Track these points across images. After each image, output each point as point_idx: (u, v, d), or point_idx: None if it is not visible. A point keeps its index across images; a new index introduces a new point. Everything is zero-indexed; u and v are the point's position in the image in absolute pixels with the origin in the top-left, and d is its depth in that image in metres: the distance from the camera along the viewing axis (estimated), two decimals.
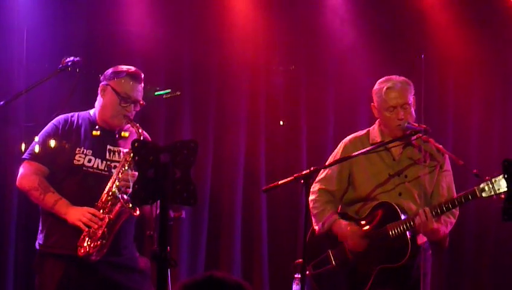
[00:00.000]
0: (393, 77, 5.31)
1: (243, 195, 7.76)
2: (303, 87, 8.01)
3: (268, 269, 7.78)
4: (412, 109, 5.25)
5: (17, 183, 5.05)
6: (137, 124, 4.97)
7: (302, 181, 4.80)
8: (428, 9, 7.86)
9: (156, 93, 7.53)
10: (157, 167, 3.65)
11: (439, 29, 7.91)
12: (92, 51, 6.98)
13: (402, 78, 5.30)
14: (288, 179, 4.93)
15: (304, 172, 4.85)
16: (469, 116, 8.18)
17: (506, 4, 7.85)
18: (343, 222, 5.25)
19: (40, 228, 5.05)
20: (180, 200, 3.72)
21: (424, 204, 5.17)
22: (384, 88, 5.22)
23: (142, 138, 4.88)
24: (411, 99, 5.25)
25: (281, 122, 7.97)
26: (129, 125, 5.03)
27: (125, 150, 4.96)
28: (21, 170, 5.04)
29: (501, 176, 4.77)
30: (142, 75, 5.11)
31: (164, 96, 7.57)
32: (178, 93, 7.58)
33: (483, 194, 4.86)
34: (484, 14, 7.91)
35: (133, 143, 3.74)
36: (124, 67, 5.09)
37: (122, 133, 4.99)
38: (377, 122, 5.43)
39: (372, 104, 5.35)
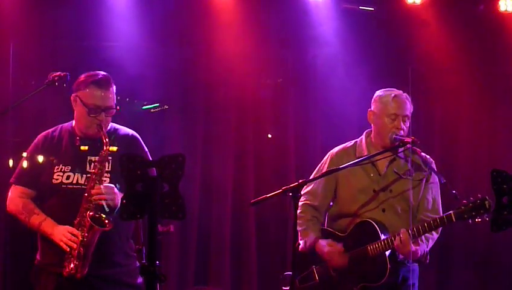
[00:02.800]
0: (399, 90, 5.36)
1: (231, 208, 7.76)
2: (291, 100, 8.02)
3: (257, 282, 7.77)
4: (408, 124, 5.28)
5: (6, 208, 5.01)
6: (105, 135, 4.83)
7: (290, 194, 4.79)
8: (415, 22, 7.88)
9: (144, 107, 7.54)
10: (145, 181, 3.65)
11: (426, 41, 7.94)
12: (79, 66, 6.95)
13: (406, 94, 5.36)
14: (277, 192, 4.92)
15: (292, 185, 4.84)
16: (457, 127, 8.21)
17: (494, 15, 7.88)
18: (322, 242, 5.28)
19: (38, 244, 4.99)
20: (168, 214, 3.71)
21: (408, 218, 5.18)
22: (392, 95, 5.28)
23: (107, 147, 4.78)
24: (410, 114, 5.30)
25: (269, 135, 7.98)
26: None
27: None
28: (9, 194, 5.00)
29: (479, 201, 4.83)
30: (110, 80, 4.94)
31: (152, 110, 7.58)
32: (166, 107, 7.59)
33: (459, 219, 4.90)
34: (472, 25, 7.94)
35: (121, 157, 3.73)
36: (90, 75, 4.95)
37: (110, 148, 4.92)
38: (364, 134, 5.45)
39: (369, 110, 5.37)
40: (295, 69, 8.06)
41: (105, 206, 4.73)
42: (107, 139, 4.81)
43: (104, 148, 4.80)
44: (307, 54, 8.01)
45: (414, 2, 7.77)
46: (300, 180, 4.87)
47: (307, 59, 8.03)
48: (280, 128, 8.00)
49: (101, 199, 4.71)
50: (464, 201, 4.90)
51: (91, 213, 4.69)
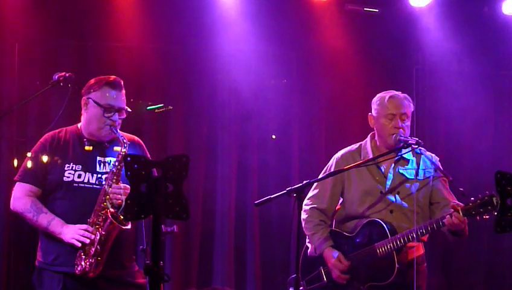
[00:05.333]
0: (397, 92, 5.39)
1: (235, 209, 7.76)
2: (295, 100, 8.02)
3: (261, 283, 7.77)
4: (409, 123, 5.28)
5: (10, 206, 5.00)
6: (122, 135, 4.91)
7: (294, 195, 4.81)
8: (420, 24, 7.88)
9: (148, 107, 7.54)
10: (149, 181, 3.65)
11: (430, 43, 7.93)
12: (84, 66, 6.99)
13: (405, 95, 5.39)
14: (281, 192, 4.93)
15: (296, 186, 4.85)
16: (461, 128, 8.20)
17: (498, 18, 7.88)
18: (329, 253, 5.28)
19: (39, 244, 5.01)
20: (172, 215, 3.71)
21: (419, 221, 5.18)
22: (387, 96, 5.31)
23: (125, 148, 4.83)
24: (410, 113, 5.30)
25: (273, 136, 7.98)
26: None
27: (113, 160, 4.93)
28: (13, 193, 4.99)
29: (487, 197, 4.83)
30: (122, 82, 5.01)
31: (156, 110, 7.58)
32: (170, 107, 7.60)
33: (467, 215, 4.89)
34: (476, 27, 7.93)
35: (125, 157, 3.74)
36: (103, 77, 5.02)
37: (115, 148, 4.94)
38: (368, 137, 5.45)
39: (369, 114, 5.39)
40: (299, 70, 8.06)
41: (108, 205, 4.74)
42: (125, 140, 4.85)
43: (122, 148, 4.84)
44: (312, 55, 8.01)
45: (418, 4, 7.76)
46: (304, 181, 4.88)
47: (311, 59, 8.03)
48: (284, 129, 8.00)
49: (119, 199, 4.73)
50: (472, 198, 4.90)
51: (112, 210, 4.71)
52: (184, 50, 7.66)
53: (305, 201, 5.40)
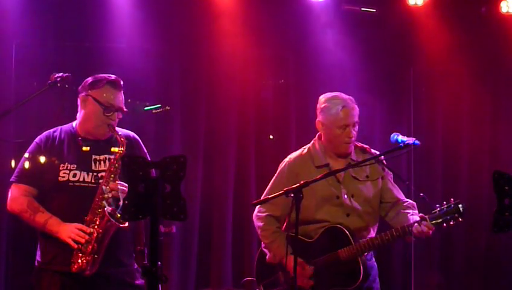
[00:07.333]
0: (342, 94, 5.38)
1: (233, 209, 7.76)
2: (292, 101, 8.02)
3: None
4: (357, 127, 5.31)
5: (7, 207, 5.01)
6: (120, 133, 4.92)
7: (291, 195, 4.79)
8: (417, 23, 7.88)
9: (146, 108, 7.54)
10: (147, 182, 3.65)
11: (427, 42, 7.93)
12: (82, 67, 6.98)
13: (349, 96, 5.37)
14: (278, 193, 4.93)
15: (294, 186, 4.84)
16: (459, 128, 8.20)
17: (496, 17, 7.88)
18: (292, 261, 5.14)
19: (38, 245, 5.02)
20: (170, 215, 3.71)
21: (371, 220, 5.30)
22: (340, 106, 5.29)
23: (124, 147, 4.85)
24: (358, 119, 5.32)
25: (271, 137, 7.98)
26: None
27: (111, 157, 4.94)
28: (10, 194, 5.00)
29: (453, 205, 4.92)
30: (122, 82, 5.04)
31: (154, 111, 7.58)
32: (167, 108, 7.60)
33: (434, 222, 4.96)
34: (474, 27, 7.93)
35: (122, 158, 3.74)
36: (104, 76, 5.03)
37: (112, 149, 4.94)
38: (316, 139, 5.46)
39: (318, 120, 5.39)
40: (297, 70, 8.06)
41: (105, 203, 4.75)
42: (122, 139, 4.86)
43: (119, 147, 4.86)
44: (308, 55, 8.00)
45: (416, 4, 7.77)
46: (301, 181, 4.87)
47: (308, 60, 8.03)
48: (281, 129, 8.00)
49: (116, 196, 4.74)
50: (437, 205, 4.98)
51: (110, 209, 4.72)
52: (182, 50, 7.65)
53: (259, 208, 5.43)
